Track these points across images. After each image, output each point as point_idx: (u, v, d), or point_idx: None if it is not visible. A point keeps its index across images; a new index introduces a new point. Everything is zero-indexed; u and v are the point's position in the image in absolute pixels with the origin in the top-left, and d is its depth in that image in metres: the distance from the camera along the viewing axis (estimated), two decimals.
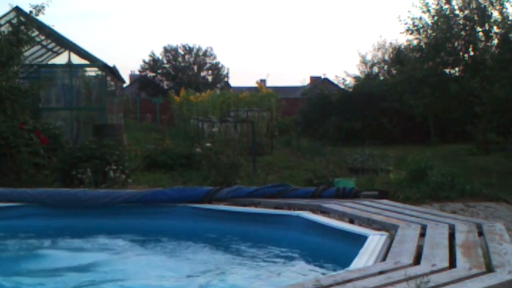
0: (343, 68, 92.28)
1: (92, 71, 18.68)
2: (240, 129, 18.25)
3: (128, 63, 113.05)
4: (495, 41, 17.83)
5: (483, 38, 18.04)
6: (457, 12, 18.17)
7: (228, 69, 52.65)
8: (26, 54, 15.60)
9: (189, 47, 51.47)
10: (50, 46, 18.94)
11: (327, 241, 6.42)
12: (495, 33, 17.72)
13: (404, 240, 5.28)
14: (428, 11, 18.50)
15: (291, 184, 9.35)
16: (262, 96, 25.65)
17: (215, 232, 7.53)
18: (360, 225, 6.58)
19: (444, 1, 18.23)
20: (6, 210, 7.89)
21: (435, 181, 10.56)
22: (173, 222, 7.78)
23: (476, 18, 17.81)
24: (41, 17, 13.90)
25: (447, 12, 18.17)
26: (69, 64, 17.72)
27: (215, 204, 7.91)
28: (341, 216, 7.13)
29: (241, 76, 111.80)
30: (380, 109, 24.28)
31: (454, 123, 22.59)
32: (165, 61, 51.18)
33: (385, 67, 31.25)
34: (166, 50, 51.19)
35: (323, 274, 5.41)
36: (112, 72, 21.01)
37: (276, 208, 7.78)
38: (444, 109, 19.61)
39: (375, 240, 5.36)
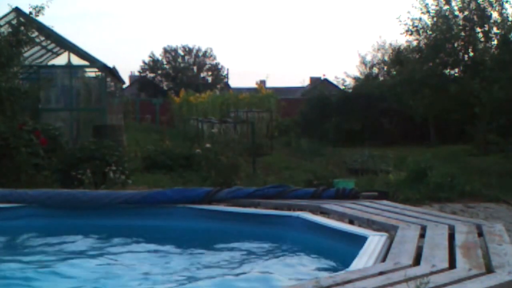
0: (343, 68, 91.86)
1: (91, 72, 18.68)
2: (239, 130, 18.25)
3: (128, 64, 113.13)
4: (495, 42, 17.83)
5: (482, 39, 18.03)
6: (456, 13, 18.17)
7: (227, 69, 52.80)
8: (26, 55, 15.60)
9: (189, 48, 51.59)
10: (50, 47, 18.93)
11: (327, 242, 6.42)
12: (495, 33, 17.71)
13: (404, 241, 5.29)
14: (428, 12, 18.50)
15: (291, 185, 9.34)
16: (262, 97, 25.70)
17: (215, 233, 7.53)
18: (360, 225, 6.58)
19: (443, 2, 18.23)
20: (5, 211, 7.88)
21: (435, 182, 10.56)
22: (173, 223, 7.78)
23: (475, 19, 17.81)
24: (40, 18, 13.90)
25: (447, 13, 18.17)
26: (69, 65, 17.71)
27: (215, 205, 7.91)
28: (341, 216, 7.13)
29: (241, 77, 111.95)
30: (379, 110, 24.26)
31: (453, 124, 22.55)
32: (164, 62, 51.29)
33: (385, 68, 31.22)
34: (165, 51, 51.30)
35: (323, 274, 5.41)
36: (112, 73, 21.00)
37: (276, 209, 7.77)
38: (444, 110, 19.58)
39: (375, 241, 5.36)
